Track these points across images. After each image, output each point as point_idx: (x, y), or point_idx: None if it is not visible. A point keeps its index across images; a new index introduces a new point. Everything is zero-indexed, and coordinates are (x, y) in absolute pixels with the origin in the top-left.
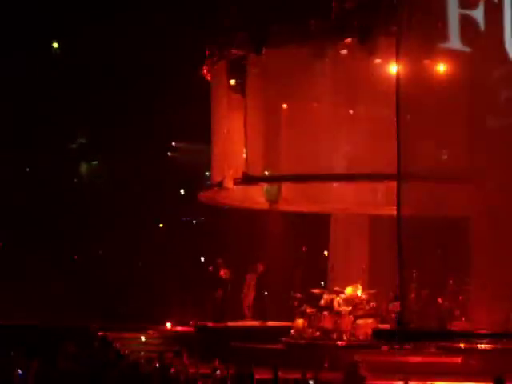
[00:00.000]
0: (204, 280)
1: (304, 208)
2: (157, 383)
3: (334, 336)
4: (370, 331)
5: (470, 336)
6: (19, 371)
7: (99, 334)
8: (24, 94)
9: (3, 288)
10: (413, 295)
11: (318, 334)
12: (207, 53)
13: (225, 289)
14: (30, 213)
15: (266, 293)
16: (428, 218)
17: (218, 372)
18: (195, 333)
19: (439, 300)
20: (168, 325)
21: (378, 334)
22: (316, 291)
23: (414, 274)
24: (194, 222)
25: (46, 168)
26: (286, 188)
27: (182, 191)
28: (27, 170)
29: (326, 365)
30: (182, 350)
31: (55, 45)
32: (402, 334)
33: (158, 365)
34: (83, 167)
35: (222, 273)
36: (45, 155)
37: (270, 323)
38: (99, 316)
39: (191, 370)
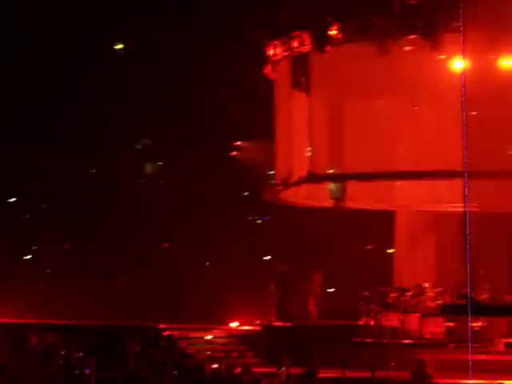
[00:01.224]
0: (270, 279)
1: (369, 206)
2: (222, 383)
3: (401, 334)
4: (437, 329)
5: None
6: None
7: (165, 333)
8: (89, 95)
9: (70, 288)
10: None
11: (384, 332)
12: (271, 51)
13: (290, 288)
14: (96, 214)
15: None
16: (495, 215)
17: (284, 371)
18: (261, 332)
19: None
20: (234, 324)
21: (445, 308)
22: (382, 289)
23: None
24: (258, 221)
25: (111, 169)
26: (351, 186)
27: (247, 191)
28: (93, 171)
29: (392, 363)
30: (247, 349)
31: (119, 46)
32: (471, 307)
33: (223, 364)
34: (148, 168)
35: (291, 271)
36: (110, 156)
37: (337, 322)
38: (165, 315)
39: (256, 370)
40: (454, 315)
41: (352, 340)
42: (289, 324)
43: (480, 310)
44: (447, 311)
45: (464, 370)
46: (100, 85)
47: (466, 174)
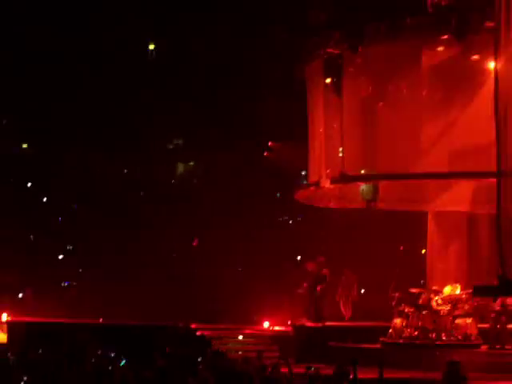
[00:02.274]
0: (301, 279)
1: (401, 207)
2: (254, 383)
3: (433, 336)
4: (469, 331)
5: None
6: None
7: (197, 333)
8: (122, 96)
9: (101, 288)
10: None
11: (416, 333)
12: (303, 52)
13: (323, 288)
14: (129, 214)
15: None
16: None
17: (313, 371)
18: (292, 332)
19: None
20: (265, 324)
21: (478, 289)
22: (414, 290)
23: None
24: (290, 221)
25: (143, 169)
26: (383, 187)
27: (279, 191)
28: (125, 171)
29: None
30: (278, 349)
31: (151, 46)
32: (503, 288)
33: (255, 364)
34: (180, 168)
35: (324, 271)
36: (142, 156)
37: (369, 323)
38: (197, 315)
39: (286, 370)
40: (486, 296)
41: (383, 341)
42: (320, 324)
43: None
44: (479, 292)
45: (497, 372)
46: (133, 85)
47: (499, 175)
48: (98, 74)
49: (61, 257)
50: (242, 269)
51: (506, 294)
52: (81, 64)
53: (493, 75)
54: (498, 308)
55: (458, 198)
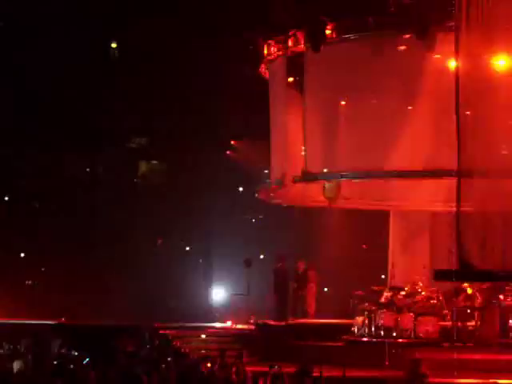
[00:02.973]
0: (265, 278)
1: (363, 205)
2: (217, 382)
3: (395, 334)
4: (430, 328)
5: None
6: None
7: (160, 332)
8: (84, 96)
9: (66, 288)
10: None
11: (378, 331)
12: (265, 50)
13: (286, 287)
14: (90, 212)
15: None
16: (491, 214)
17: (276, 369)
18: (256, 331)
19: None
20: (228, 323)
21: (438, 273)
22: (376, 288)
23: None
24: (253, 220)
25: (105, 168)
26: (345, 185)
27: (241, 189)
28: (87, 170)
29: (386, 363)
30: (241, 348)
31: (113, 45)
32: (462, 273)
33: (218, 363)
34: (142, 166)
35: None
36: (104, 155)
37: (331, 321)
38: (159, 314)
39: (249, 369)
40: (447, 280)
41: (345, 339)
42: (283, 323)
43: (471, 275)
44: (440, 276)
45: (458, 369)
46: (95, 83)
47: (459, 174)
48: (59, 73)
49: (22, 255)
50: (204, 268)
51: (465, 278)
52: (41, 62)
53: (454, 74)
54: (459, 305)
55: (419, 196)
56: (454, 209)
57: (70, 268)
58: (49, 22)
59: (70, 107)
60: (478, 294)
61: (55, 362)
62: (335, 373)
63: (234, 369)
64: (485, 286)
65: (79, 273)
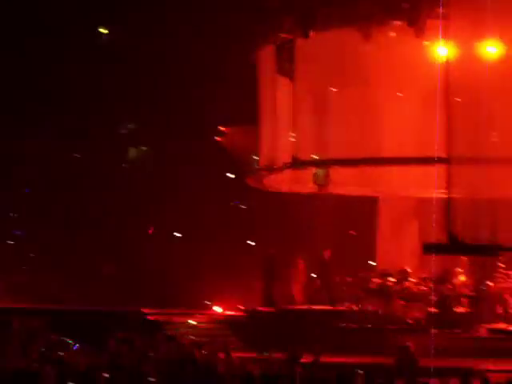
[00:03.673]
0: (254, 265)
1: (353, 191)
2: (206, 368)
3: (384, 320)
4: (419, 315)
5: None
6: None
7: (149, 318)
8: (73, 81)
9: (53, 273)
10: None
11: (368, 317)
12: (255, 37)
13: (275, 273)
14: (80, 199)
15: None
16: (480, 201)
17: (266, 355)
18: (244, 317)
19: None
20: (217, 309)
21: (427, 246)
22: (366, 275)
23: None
24: (243, 206)
25: (95, 154)
26: (335, 171)
27: (231, 176)
28: (77, 155)
29: (376, 349)
30: (230, 334)
31: (103, 30)
32: (451, 246)
33: (206, 349)
34: (132, 153)
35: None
36: (94, 141)
37: (321, 307)
38: (149, 300)
39: (239, 355)
40: (436, 254)
41: (335, 325)
42: (273, 309)
43: (462, 248)
44: (428, 249)
45: (446, 355)
46: (85, 69)
47: (449, 160)
48: (47, 58)
49: (11, 242)
50: (193, 254)
51: (454, 251)
52: (28, 48)
53: (444, 61)
54: (446, 292)
55: (409, 183)
56: (443, 195)
57: (59, 254)
58: (37, 6)
59: (57, 93)
60: (466, 281)
61: (43, 349)
62: (325, 359)
63: (223, 355)
64: (473, 272)
65: (67, 259)
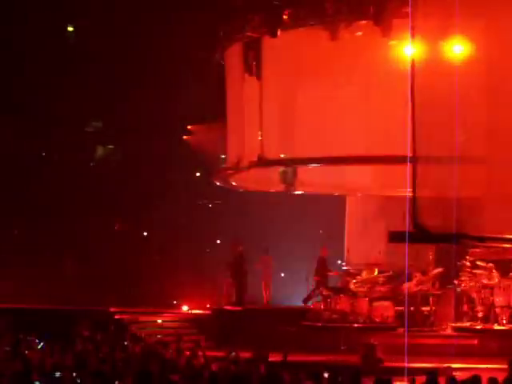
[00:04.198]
0: (221, 263)
1: (320, 190)
2: (172, 366)
3: (351, 318)
4: (386, 313)
5: (489, 240)
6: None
7: (115, 317)
8: (39, 79)
9: (18, 271)
10: None
11: (334, 316)
12: (222, 35)
13: (242, 271)
14: (45, 196)
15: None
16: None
17: (233, 355)
18: (211, 316)
19: None
20: (184, 308)
21: (393, 235)
22: (332, 273)
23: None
24: (210, 205)
25: (62, 152)
26: (302, 170)
27: (198, 174)
28: (43, 154)
29: (342, 347)
30: (197, 333)
31: (70, 28)
32: (417, 235)
33: (173, 348)
34: (99, 151)
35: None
36: (60, 139)
37: (287, 306)
38: (115, 299)
39: (206, 354)
40: (402, 242)
41: (302, 323)
42: (239, 308)
43: (427, 237)
44: (394, 238)
45: (413, 353)
46: (50, 66)
47: (415, 159)
48: (13, 57)
49: None
50: (161, 253)
51: (420, 240)
52: None
53: (410, 60)
54: (413, 290)
55: (375, 182)
56: (410, 194)
57: (22, 252)
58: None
59: (23, 92)
60: (432, 279)
61: (7, 348)
62: (291, 358)
63: (190, 354)
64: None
65: (32, 258)
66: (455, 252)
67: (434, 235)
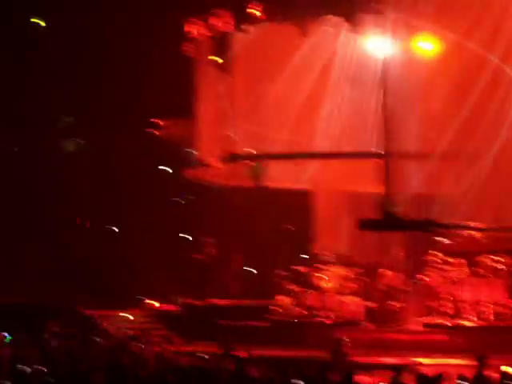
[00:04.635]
0: (192, 258)
1: (289, 185)
2: (143, 361)
3: (320, 314)
4: (355, 309)
5: (455, 227)
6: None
7: (85, 312)
8: (9, 73)
9: None
10: None
11: (304, 312)
12: (192, 29)
13: (211, 267)
14: (16, 190)
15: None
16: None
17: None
18: (181, 311)
19: None
20: (154, 303)
21: (363, 223)
22: (302, 269)
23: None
24: (181, 201)
25: (32, 146)
26: (271, 166)
27: (169, 170)
28: (15, 149)
29: (310, 342)
30: (166, 328)
31: (41, 23)
32: (387, 222)
33: (143, 343)
34: (69, 145)
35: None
36: (31, 133)
37: (254, 301)
38: (85, 294)
39: (175, 348)
40: (372, 229)
41: (270, 319)
42: (208, 302)
43: (397, 224)
44: (364, 225)
45: (382, 349)
46: (19, 61)
47: (384, 155)
48: None
49: None
50: (132, 248)
51: (390, 227)
52: None
53: (380, 57)
54: (381, 286)
55: (344, 177)
56: (378, 190)
57: None
58: None
59: None
60: (401, 274)
61: None
62: (258, 353)
63: (159, 349)
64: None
65: (2, 252)
66: (423, 247)
67: (403, 222)
